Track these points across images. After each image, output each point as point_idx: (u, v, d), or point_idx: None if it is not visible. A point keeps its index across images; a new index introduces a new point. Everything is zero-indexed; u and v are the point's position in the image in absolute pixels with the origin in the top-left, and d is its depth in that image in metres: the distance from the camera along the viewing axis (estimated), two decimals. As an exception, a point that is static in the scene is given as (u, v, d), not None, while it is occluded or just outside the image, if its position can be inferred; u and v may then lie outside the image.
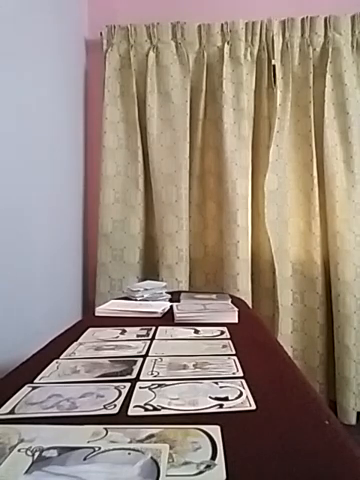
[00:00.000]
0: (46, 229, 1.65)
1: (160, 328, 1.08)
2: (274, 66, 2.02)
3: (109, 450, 0.48)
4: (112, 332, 1.05)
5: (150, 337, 1.00)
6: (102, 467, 0.44)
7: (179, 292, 1.68)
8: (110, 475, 0.43)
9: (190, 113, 2.04)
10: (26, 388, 0.68)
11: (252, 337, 1.02)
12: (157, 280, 1.88)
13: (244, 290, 1.93)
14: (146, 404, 0.61)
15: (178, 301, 1.40)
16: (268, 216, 1.97)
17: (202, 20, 2.04)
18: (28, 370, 0.78)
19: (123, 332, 1.05)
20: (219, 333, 1.02)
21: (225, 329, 1.05)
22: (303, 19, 2.01)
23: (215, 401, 0.62)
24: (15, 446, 0.49)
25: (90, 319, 1.25)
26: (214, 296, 1.50)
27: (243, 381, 0.69)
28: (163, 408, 0.60)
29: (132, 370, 0.75)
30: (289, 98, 2.01)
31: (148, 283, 1.62)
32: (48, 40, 1.69)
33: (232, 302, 1.34)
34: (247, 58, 2.03)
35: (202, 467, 0.44)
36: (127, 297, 1.51)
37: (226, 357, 0.83)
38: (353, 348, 1.89)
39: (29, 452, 0.48)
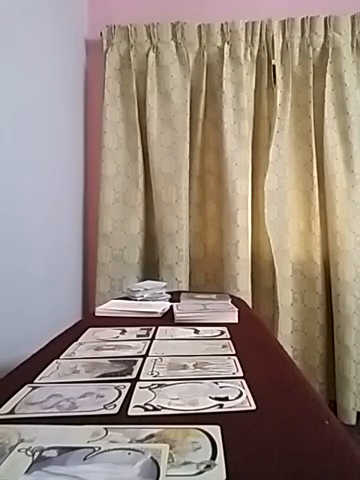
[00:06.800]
0: (46, 229, 1.65)
1: (160, 328, 1.08)
2: (274, 66, 2.02)
3: (109, 450, 0.48)
4: (112, 332, 1.05)
5: (150, 337, 1.00)
6: (102, 467, 0.44)
7: (179, 292, 1.68)
8: (110, 475, 0.43)
9: (190, 113, 2.04)
10: (26, 388, 0.68)
11: (252, 337, 1.02)
12: (157, 280, 1.88)
13: (244, 290, 1.93)
14: (146, 404, 0.61)
15: (178, 301, 1.40)
16: (268, 216, 1.97)
17: (202, 20, 2.04)
18: (28, 370, 0.78)
19: (123, 332, 1.05)
20: (219, 333, 1.02)
21: (225, 329, 1.05)
22: (303, 19, 2.01)
23: (215, 401, 0.62)
24: (15, 446, 0.49)
25: (90, 319, 1.25)
26: (214, 296, 1.50)
27: (243, 381, 0.69)
28: (163, 408, 0.60)
29: (132, 370, 0.75)
30: (289, 98, 2.01)
31: (148, 283, 1.62)
32: (48, 40, 1.69)
33: (232, 302, 1.34)
34: (247, 58, 2.03)
35: (202, 467, 0.44)
36: (127, 297, 1.51)
37: (226, 357, 0.83)
38: (353, 348, 1.89)
39: (29, 452, 0.48)
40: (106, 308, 1.30)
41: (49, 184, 1.68)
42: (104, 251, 2.03)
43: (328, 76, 1.98)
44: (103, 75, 2.06)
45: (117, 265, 2.03)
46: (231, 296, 1.55)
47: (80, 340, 0.98)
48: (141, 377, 0.72)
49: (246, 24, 2.02)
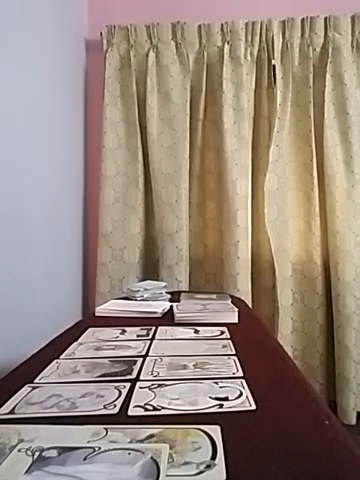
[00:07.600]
0: (46, 229, 1.65)
1: (160, 328, 1.08)
2: (274, 66, 2.02)
3: (109, 450, 0.48)
4: (112, 332, 1.05)
5: (150, 337, 1.00)
6: (102, 467, 0.44)
7: (179, 292, 1.68)
8: (110, 475, 0.43)
9: (190, 113, 2.04)
10: (26, 388, 0.68)
11: (252, 337, 1.02)
12: (157, 280, 1.88)
13: (244, 290, 1.93)
14: (146, 404, 0.61)
15: (178, 301, 1.40)
16: (268, 216, 1.97)
17: (202, 20, 2.04)
18: (28, 370, 0.78)
19: (123, 332, 1.05)
20: (219, 333, 1.02)
21: (225, 329, 1.05)
22: (303, 19, 2.01)
23: (215, 401, 0.62)
24: (15, 446, 0.49)
25: (90, 319, 1.25)
26: (214, 296, 1.50)
27: (243, 381, 0.69)
28: (163, 408, 0.60)
29: (132, 370, 0.75)
30: (289, 98, 2.01)
31: (148, 283, 1.62)
32: (48, 40, 1.69)
33: (232, 302, 1.34)
34: (247, 58, 2.03)
35: (202, 467, 0.44)
36: (127, 297, 1.51)
37: (226, 357, 0.83)
38: (353, 348, 1.89)
39: (29, 452, 0.48)
40: (106, 308, 1.30)
41: (49, 184, 1.68)
42: (104, 251, 2.03)
43: (328, 76, 1.98)
44: (103, 75, 2.06)
45: (117, 265, 2.03)
46: (231, 296, 1.55)
47: (80, 340, 0.98)
48: (141, 377, 0.72)
49: (246, 24, 2.02)
